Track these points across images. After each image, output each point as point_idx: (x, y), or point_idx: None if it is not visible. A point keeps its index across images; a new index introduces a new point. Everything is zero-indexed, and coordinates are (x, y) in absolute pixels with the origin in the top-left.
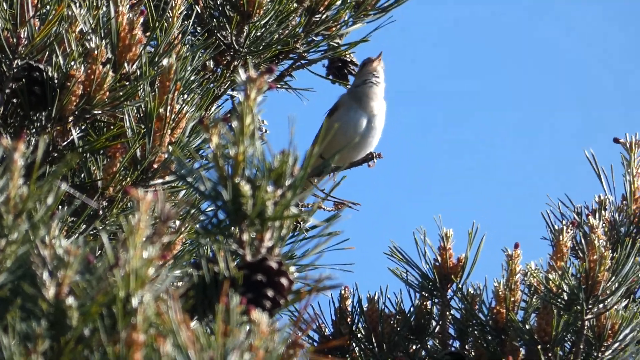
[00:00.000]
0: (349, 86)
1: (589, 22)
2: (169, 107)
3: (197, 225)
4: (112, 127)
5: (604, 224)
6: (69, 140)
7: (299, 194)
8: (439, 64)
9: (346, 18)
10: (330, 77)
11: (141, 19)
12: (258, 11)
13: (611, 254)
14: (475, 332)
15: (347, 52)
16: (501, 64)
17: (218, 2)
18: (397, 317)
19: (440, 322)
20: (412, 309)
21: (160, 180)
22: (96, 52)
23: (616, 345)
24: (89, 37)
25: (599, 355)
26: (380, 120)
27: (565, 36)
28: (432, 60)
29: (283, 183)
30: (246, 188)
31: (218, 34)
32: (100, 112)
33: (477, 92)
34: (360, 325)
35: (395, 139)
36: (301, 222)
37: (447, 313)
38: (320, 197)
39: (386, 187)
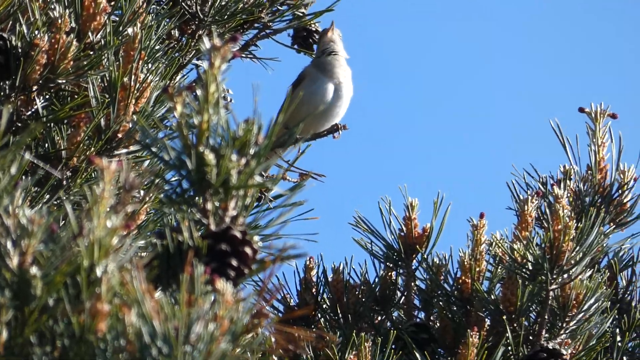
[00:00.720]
0: (314, 56)
1: None
2: (133, 77)
3: (162, 195)
4: (76, 96)
5: (568, 194)
6: (33, 110)
7: (263, 163)
8: (403, 33)
9: None
10: (296, 46)
11: None
12: None
13: (576, 224)
14: (441, 303)
15: (312, 22)
16: (466, 28)
17: None
18: (362, 287)
19: (405, 293)
20: (377, 280)
21: (124, 150)
22: (60, 21)
23: (581, 315)
24: (52, 6)
25: (564, 325)
26: (347, 88)
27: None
28: (396, 30)
29: (247, 152)
30: (210, 157)
31: (183, 3)
32: (64, 81)
33: (440, 59)
34: (325, 295)
35: (360, 108)
36: (265, 192)
37: (412, 283)
38: (284, 167)
39: (351, 157)
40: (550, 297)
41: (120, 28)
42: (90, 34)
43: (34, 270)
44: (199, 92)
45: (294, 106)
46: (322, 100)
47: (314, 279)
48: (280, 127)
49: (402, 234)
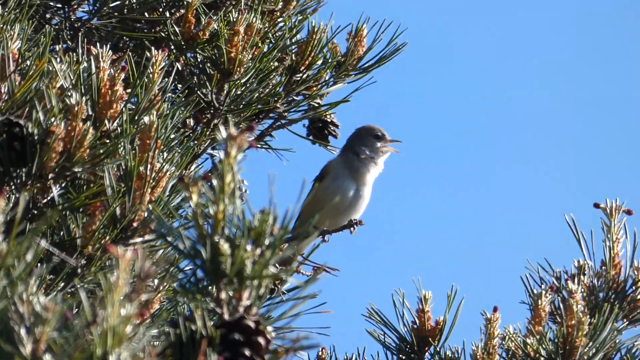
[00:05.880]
0: (329, 147)
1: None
2: (149, 166)
3: (176, 284)
4: (92, 185)
5: (582, 289)
6: (48, 198)
7: (279, 254)
8: (416, 122)
9: (327, 78)
10: (311, 137)
11: (122, 75)
12: (239, 69)
13: (589, 319)
14: None
15: (327, 113)
16: (479, 128)
17: (199, 60)
18: None
19: None
20: None
21: (139, 239)
22: (76, 108)
23: None
24: (69, 93)
25: None
26: (368, 192)
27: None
28: (410, 120)
29: (262, 242)
30: (225, 247)
31: (198, 92)
32: (80, 169)
33: (455, 156)
34: None
35: (376, 202)
36: (279, 285)
37: None
38: (299, 260)
39: (366, 250)
40: None
41: (137, 116)
42: (106, 121)
43: (47, 357)
44: (214, 181)
45: (315, 202)
46: (342, 199)
47: None
48: (297, 219)
49: (415, 326)
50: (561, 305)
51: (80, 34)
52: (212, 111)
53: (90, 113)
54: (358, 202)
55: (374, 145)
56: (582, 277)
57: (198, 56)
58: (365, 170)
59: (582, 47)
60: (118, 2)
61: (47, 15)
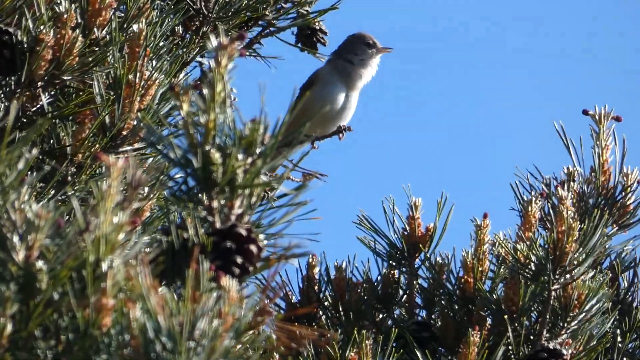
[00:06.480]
0: (317, 54)
1: None
2: (138, 74)
3: (166, 192)
4: (81, 93)
5: (572, 196)
6: (38, 106)
7: (270, 163)
8: (406, 31)
9: None
10: (299, 45)
11: None
12: None
13: (579, 226)
14: (443, 302)
15: (316, 20)
16: (469, 36)
17: None
18: (365, 285)
19: (407, 291)
20: (379, 278)
21: (129, 147)
22: (66, 16)
23: (582, 315)
24: (58, 1)
25: (565, 325)
26: (357, 96)
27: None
28: (399, 29)
29: (253, 151)
30: (216, 156)
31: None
32: (69, 77)
33: (443, 61)
34: (327, 293)
35: (364, 109)
36: (269, 192)
37: (415, 282)
38: (288, 167)
39: (356, 158)
40: (552, 297)
41: (126, 24)
42: (95, 29)
43: (39, 264)
44: (205, 90)
45: (305, 109)
46: (332, 105)
47: (317, 277)
48: (287, 127)
49: (406, 233)
50: (551, 212)
51: None
52: (200, 19)
53: (79, 21)
54: (348, 108)
55: (365, 52)
56: (571, 183)
57: None
58: (356, 76)
59: None
60: None
61: None
